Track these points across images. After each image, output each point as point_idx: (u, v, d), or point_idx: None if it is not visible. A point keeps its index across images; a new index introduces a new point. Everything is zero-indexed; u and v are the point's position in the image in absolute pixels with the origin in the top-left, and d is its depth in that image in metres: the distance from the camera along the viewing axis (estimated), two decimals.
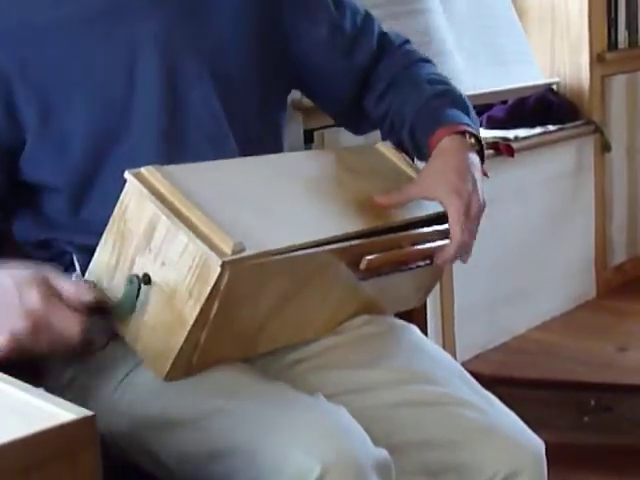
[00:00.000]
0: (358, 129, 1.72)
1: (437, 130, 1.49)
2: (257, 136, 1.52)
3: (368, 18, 1.64)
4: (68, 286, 1.21)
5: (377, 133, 1.68)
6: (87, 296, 1.21)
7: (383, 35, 1.64)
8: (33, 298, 1.18)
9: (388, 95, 1.60)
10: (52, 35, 1.39)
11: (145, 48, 1.42)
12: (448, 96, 1.57)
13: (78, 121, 1.41)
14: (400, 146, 1.60)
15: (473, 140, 1.49)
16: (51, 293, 1.19)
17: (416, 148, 1.55)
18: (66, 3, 1.40)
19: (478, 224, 1.44)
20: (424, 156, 1.53)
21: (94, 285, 1.26)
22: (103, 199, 1.33)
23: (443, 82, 1.60)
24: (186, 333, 1.22)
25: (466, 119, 1.52)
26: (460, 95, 1.58)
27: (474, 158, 1.47)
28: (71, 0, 1.40)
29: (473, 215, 1.41)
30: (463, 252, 1.43)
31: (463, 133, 1.49)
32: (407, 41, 1.68)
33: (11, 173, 1.44)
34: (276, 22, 1.54)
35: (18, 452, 0.85)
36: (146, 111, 1.42)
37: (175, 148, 1.42)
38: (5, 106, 1.40)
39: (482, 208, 1.43)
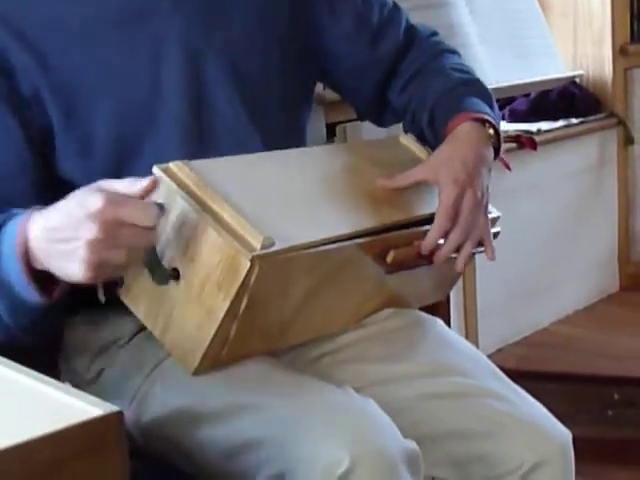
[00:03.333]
0: (382, 121, 1.71)
1: (456, 116, 1.48)
2: (280, 131, 1.52)
3: (395, 10, 1.63)
4: (120, 183, 1.19)
5: (399, 126, 1.67)
6: (142, 183, 1.18)
7: (410, 27, 1.64)
8: (96, 201, 1.14)
9: (411, 85, 1.60)
10: (74, 38, 1.38)
11: (169, 48, 1.42)
12: (472, 86, 1.57)
13: (102, 124, 1.40)
14: (421, 137, 1.60)
15: (492, 131, 1.49)
16: (113, 192, 1.17)
17: (435, 135, 1.55)
18: (87, 6, 1.40)
19: (479, 216, 1.42)
20: (441, 142, 1.52)
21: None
22: None
23: (468, 71, 1.60)
24: (216, 327, 1.23)
25: (488, 110, 1.51)
26: (485, 87, 1.58)
27: (486, 151, 1.47)
28: (92, 3, 1.40)
29: (466, 207, 1.40)
30: (447, 249, 1.41)
31: (482, 122, 1.48)
32: (435, 33, 1.67)
33: (44, 161, 1.42)
34: (300, 15, 1.54)
35: (46, 448, 0.85)
36: (172, 111, 1.42)
37: (200, 146, 1.42)
38: (35, 100, 1.39)
39: (478, 203, 1.42)
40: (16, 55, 1.37)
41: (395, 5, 1.65)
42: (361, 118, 1.77)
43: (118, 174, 1.39)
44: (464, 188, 1.40)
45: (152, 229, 1.17)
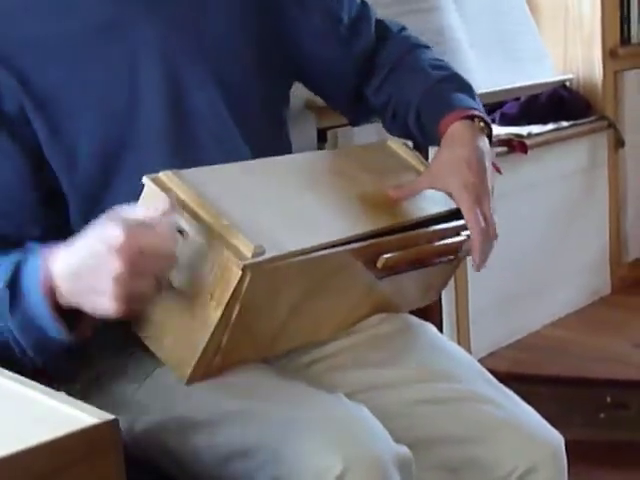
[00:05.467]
0: (357, 119, 1.71)
1: (446, 115, 1.49)
2: (264, 134, 1.52)
3: (364, 6, 1.64)
4: (137, 212, 1.19)
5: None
6: (160, 208, 1.19)
7: (380, 22, 1.64)
8: (116, 235, 1.15)
9: (388, 83, 1.60)
10: (54, 55, 1.38)
11: (145, 57, 1.42)
12: (454, 80, 1.57)
13: (85, 138, 1.40)
14: (404, 133, 1.61)
15: (482, 124, 1.50)
16: (131, 222, 1.17)
17: (422, 132, 1.56)
18: (68, 21, 1.39)
19: (492, 212, 1.43)
20: (431, 140, 1.54)
21: None
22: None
23: (446, 67, 1.60)
24: (208, 336, 1.23)
25: (474, 103, 1.52)
26: (463, 79, 1.59)
27: (484, 145, 1.47)
28: (72, 18, 1.40)
29: (484, 206, 1.41)
30: (487, 242, 1.42)
31: (472, 118, 1.49)
32: (403, 27, 1.68)
33: (43, 176, 1.42)
34: (272, 16, 1.54)
35: (42, 457, 0.85)
36: (152, 120, 1.42)
37: (184, 153, 1.42)
38: (22, 117, 1.39)
39: (489, 196, 1.43)
40: (1, 78, 1.37)
41: (363, 1, 1.65)
42: (347, 119, 1.77)
43: (103, 187, 1.40)
44: (477, 190, 1.41)
45: (174, 254, 1.18)
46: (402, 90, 1.58)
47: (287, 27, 1.56)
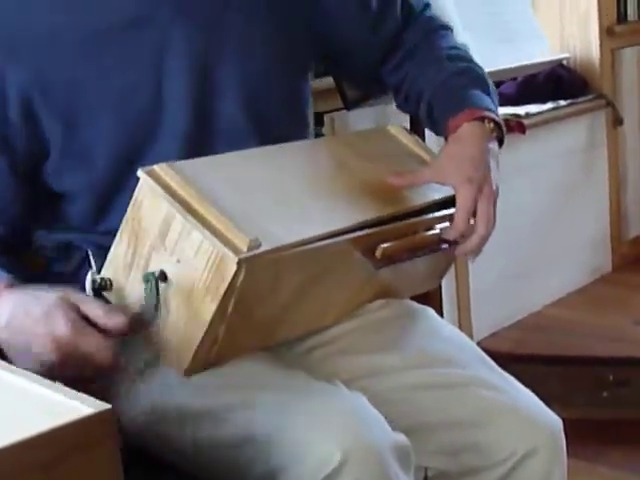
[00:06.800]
0: (371, 93, 1.71)
1: (457, 114, 1.48)
2: (285, 134, 1.49)
3: None
4: (97, 309, 1.21)
5: (388, 116, 1.68)
6: (117, 319, 1.20)
7: (405, 3, 1.62)
8: (60, 325, 1.18)
9: (405, 65, 1.59)
10: (73, 52, 1.36)
11: (171, 58, 1.39)
12: (469, 74, 1.55)
13: (102, 137, 1.39)
14: (415, 116, 1.60)
15: (492, 125, 1.48)
16: (79, 318, 1.19)
17: (433, 124, 1.55)
18: (88, 18, 1.37)
19: (494, 212, 1.43)
20: (440, 133, 1.53)
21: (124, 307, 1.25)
22: (125, 210, 1.29)
23: (463, 57, 1.58)
24: (204, 330, 1.23)
25: (487, 101, 1.51)
26: (480, 73, 1.57)
27: (491, 146, 1.47)
28: (92, 15, 1.37)
29: (485, 203, 1.41)
30: (475, 243, 1.43)
31: (482, 119, 1.48)
32: (427, 5, 1.65)
33: (34, 183, 1.43)
34: (304, 5, 1.52)
35: (40, 447, 0.85)
36: (174, 124, 1.40)
37: (201, 155, 1.41)
38: (27, 121, 1.38)
39: (494, 196, 1.42)
40: (11, 74, 1.36)
41: None
42: (349, 103, 1.76)
43: (118, 187, 1.40)
44: (480, 185, 1.40)
45: (106, 368, 1.20)
46: (415, 77, 1.57)
47: (320, 18, 1.54)
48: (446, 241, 1.44)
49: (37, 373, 1.11)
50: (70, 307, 1.20)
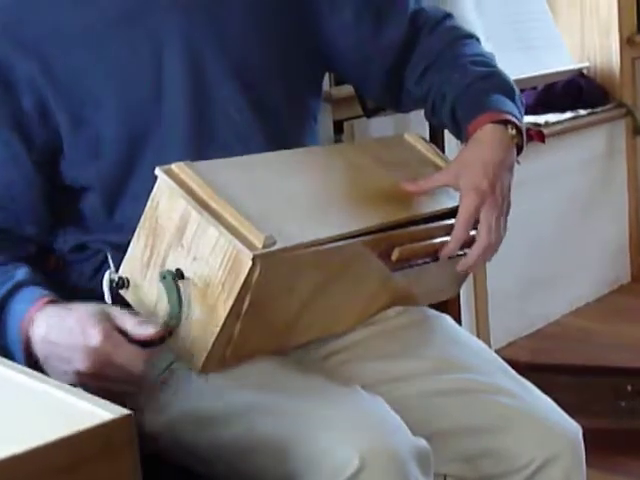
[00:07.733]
0: (400, 107, 1.67)
1: (479, 116, 1.46)
2: (286, 128, 1.52)
3: None
4: (130, 321, 1.23)
5: (407, 124, 1.67)
6: (149, 330, 1.23)
7: (421, 11, 1.59)
8: (95, 336, 1.21)
9: (429, 74, 1.56)
10: (76, 42, 1.40)
11: (170, 45, 1.42)
12: (493, 79, 1.52)
13: (108, 124, 1.42)
14: (443, 127, 1.59)
15: (514, 131, 1.45)
16: (112, 329, 1.22)
17: (455, 127, 1.53)
18: (88, 9, 1.41)
19: (500, 223, 1.42)
20: (462, 137, 1.51)
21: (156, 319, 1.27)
22: (136, 199, 1.33)
23: (488, 64, 1.56)
24: (219, 326, 1.23)
25: (510, 105, 1.48)
26: (505, 79, 1.54)
27: (508, 154, 1.44)
28: (93, 6, 1.41)
29: (487, 215, 1.39)
30: (475, 254, 1.42)
31: (505, 122, 1.46)
32: (448, 15, 1.63)
33: (53, 179, 1.45)
34: (299, 10, 1.53)
35: (60, 452, 0.86)
36: (175, 110, 1.42)
37: (204, 145, 1.43)
38: (39, 111, 1.41)
39: (499, 209, 1.41)
40: (19, 65, 1.39)
41: None
42: (379, 105, 1.74)
43: (127, 174, 1.42)
44: (484, 196, 1.39)
45: (137, 378, 1.23)
46: (440, 84, 1.54)
47: (317, 23, 1.55)
48: (471, 246, 1.43)
49: (72, 385, 1.15)
50: (105, 319, 1.23)
